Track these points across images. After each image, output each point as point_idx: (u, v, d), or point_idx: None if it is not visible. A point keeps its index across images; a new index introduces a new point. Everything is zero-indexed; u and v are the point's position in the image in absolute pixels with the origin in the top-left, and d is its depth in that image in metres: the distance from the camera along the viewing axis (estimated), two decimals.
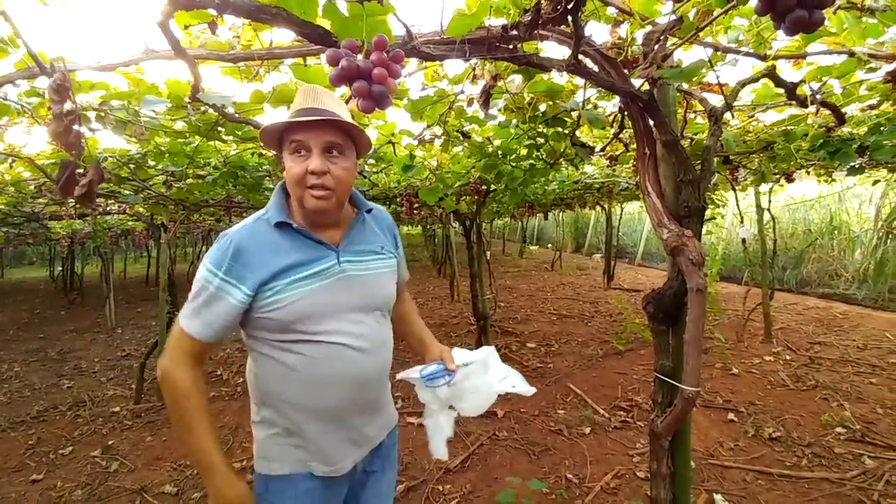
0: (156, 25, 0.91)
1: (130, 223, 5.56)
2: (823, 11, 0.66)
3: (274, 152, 1.09)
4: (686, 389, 1.05)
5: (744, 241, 4.87)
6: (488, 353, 1.25)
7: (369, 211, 1.22)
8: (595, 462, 2.73)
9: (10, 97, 1.40)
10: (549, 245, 17.88)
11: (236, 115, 1.43)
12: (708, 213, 5.17)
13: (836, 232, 7.45)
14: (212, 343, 1.05)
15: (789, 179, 4.12)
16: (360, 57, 0.72)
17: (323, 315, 1.06)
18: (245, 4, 0.76)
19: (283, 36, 1.24)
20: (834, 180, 5.08)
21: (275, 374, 1.08)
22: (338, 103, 1.09)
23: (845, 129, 2.47)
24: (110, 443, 3.28)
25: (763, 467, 2.57)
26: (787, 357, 4.30)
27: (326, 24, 0.85)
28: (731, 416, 3.20)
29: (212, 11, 0.87)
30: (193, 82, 1.18)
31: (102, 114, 1.50)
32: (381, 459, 1.26)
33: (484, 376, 1.21)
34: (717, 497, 2.31)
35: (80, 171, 1.09)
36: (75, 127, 1.03)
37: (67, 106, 0.92)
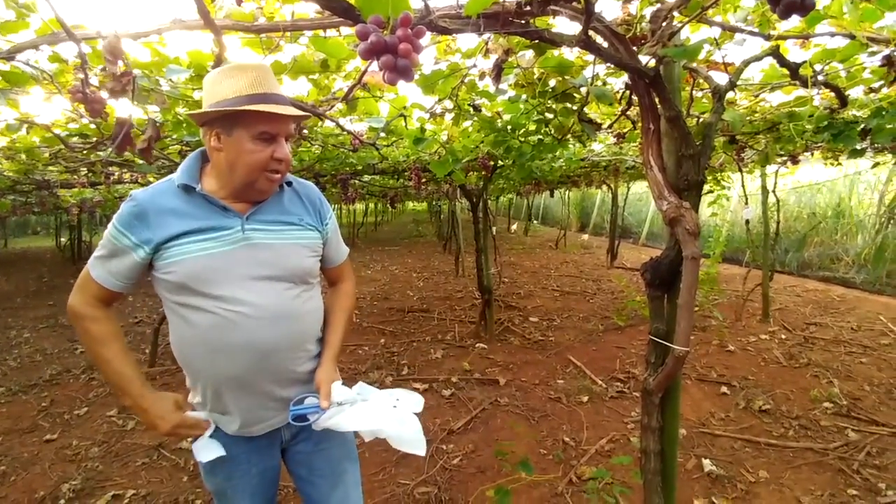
0: None
1: None
2: None
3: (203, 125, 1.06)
4: (677, 349, 1.13)
5: (747, 222, 4.92)
6: (361, 386, 1.20)
7: (289, 184, 1.22)
8: (591, 428, 2.85)
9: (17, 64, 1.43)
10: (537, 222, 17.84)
11: None
12: (714, 195, 5.20)
13: (840, 216, 7.47)
14: (115, 292, 1.11)
15: (794, 161, 4.14)
16: (385, 32, 0.78)
17: (219, 280, 1.07)
18: None
19: (303, 8, 1.29)
20: (840, 164, 5.09)
21: (182, 338, 1.11)
22: (277, 83, 1.12)
23: (851, 112, 2.49)
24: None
25: (751, 437, 2.69)
26: (783, 336, 4.40)
27: None
28: (724, 389, 3.32)
29: None
30: (218, 52, 1.24)
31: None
32: (319, 430, 1.26)
33: (363, 410, 1.12)
34: (706, 462, 2.43)
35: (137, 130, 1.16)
36: (127, 91, 1.10)
37: (120, 66, 0.98)
